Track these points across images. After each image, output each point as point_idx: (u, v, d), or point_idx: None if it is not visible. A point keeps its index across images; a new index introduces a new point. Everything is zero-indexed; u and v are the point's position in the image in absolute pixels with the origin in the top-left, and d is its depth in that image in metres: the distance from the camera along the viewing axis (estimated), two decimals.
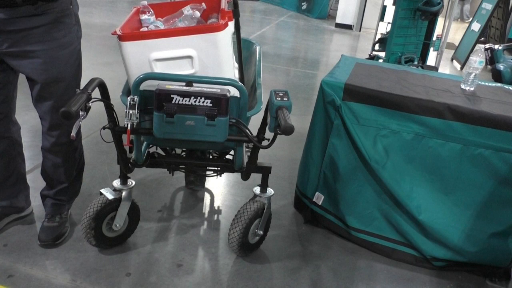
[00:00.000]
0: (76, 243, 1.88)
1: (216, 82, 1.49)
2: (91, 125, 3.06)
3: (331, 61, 6.44)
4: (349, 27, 8.55)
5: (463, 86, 2.08)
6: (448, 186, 1.88)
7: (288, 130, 1.28)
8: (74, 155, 1.90)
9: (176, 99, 1.40)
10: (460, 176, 1.85)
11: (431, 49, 4.76)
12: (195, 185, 2.39)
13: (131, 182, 1.83)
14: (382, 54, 4.67)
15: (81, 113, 1.32)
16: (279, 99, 1.41)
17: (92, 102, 1.38)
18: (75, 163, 1.93)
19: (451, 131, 1.82)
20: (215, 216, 2.22)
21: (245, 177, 1.82)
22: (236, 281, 1.78)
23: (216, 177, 2.00)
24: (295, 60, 6.31)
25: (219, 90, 1.44)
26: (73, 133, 1.31)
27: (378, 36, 5.14)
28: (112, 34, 1.53)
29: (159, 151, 1.92)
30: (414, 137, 1.88)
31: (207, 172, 1.96)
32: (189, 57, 1.57)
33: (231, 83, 1.50)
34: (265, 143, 1.61)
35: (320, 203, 2.13)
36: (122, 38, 1.53)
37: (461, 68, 6.05)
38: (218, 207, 2.30)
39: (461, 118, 1.79)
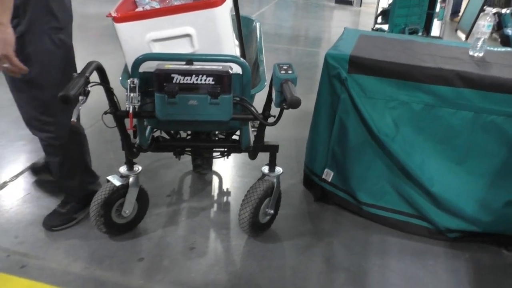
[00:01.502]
0: (87, 231, 1.87)
1: (217, 59, 1.45)
2: (94, 114, 3.03)
3: (333, 37, 6.33)
4: (349, 2, 8.40)
5: (471, 53, 2.02)
6: (460, 156, 1.83)
7: (295, 103, 1.24)
8: (55, 151, 1.79)
9: (177, 78, 1.36)
10: (472, 145, 1.80)
11: (435, 19, 4.66)
12: (203, 169, 2.37)
13: (138, 168, 1.81)
14: (385, 27, 4.58)
15: (80, 97, 1.29)
16: (284, 72, 1.36)
17: (91, 86, 1.34)
18: (60, 160, 1.82)
19: (461, 99, 1.76)
20: (224, 198, 2.20)
21: (252, 156, 1.79)
22: (249, 261, 1.77)
23: (223, 159, 1.97)
24: (296, 39, 6.21)
25: (220, 67, 1.40)
26: (73, 118, 1.28)
27: (380, 9, 5.02)
28: (107, 16, 1.48)
29: (164, 135, 1.89)
30: (424, 107, 1.83)
31: (214, 154, 1.93)
32: (188, 35, 1.52)
33: (232, 59, 1.46)
34: (271, 120, 1.57)
35: (329, 180, 2.10)
36: (117, 19, 1.49)
37: (466, 38, 5.92)
38: (227, 189, 2.28)
39: (471, 84, 1.74)
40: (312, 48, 5.68)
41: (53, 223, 1.88)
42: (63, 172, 1.85)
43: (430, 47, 2.11)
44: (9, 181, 2.22)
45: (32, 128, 1.75)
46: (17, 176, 2.28)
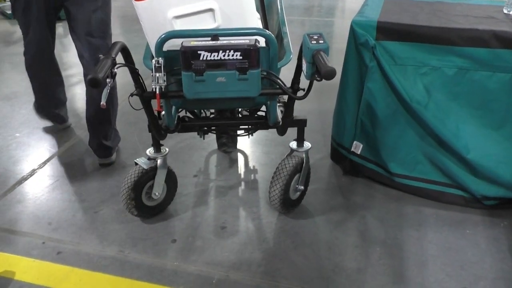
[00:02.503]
0: (118, 215, 1.88)
1: (243, 33, 1.39)
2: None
3: (348, 5, 6.14)
4: None
5: (506, 11, 1.91)
6: (497, 120, 1.76)
7: (330, 74, 1.18)
8: None
9: (204, 55, 1.31)
10: (510, 108, 1.72)
11: None
12: (228, 147, 2.34)
13: (165, 149, 1.79)
14: None
15: (108, 80, 1.26)
16: (315, 42, 1.30)
17: (117, 68, 1.30)
18: None
19: (498, 60, 1.67)
20: (252, 175, 2.17)
21: (281, 132, 1.74)
22: (282, 238, 1.75)
23: (248, 136, 1.93)
24: (310, 9, 6.05)
25: (247, 41, 1.34)
26: (103, 102, 1.25)
27: None
28: None
29: (189, 115, 1.86)
30: (457, 71, 1.75)
31: (239, 132, 1.90)
32: (211, 10, 1.46)
33: (258, 32, 1.40)
34: (300, 93, 1.51)
35: (359, 152, 2.05)
36: None
37: None
38: (253, 166, 2.25)
39: (509, 44, 1.64)
40: (327, 18, 5.52)
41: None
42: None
43: (461, 7, 2.00)
44: (38, 168, 2.24)
45: None
46: (44, 163, 2.29)
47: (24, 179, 2.14)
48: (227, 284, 1.54)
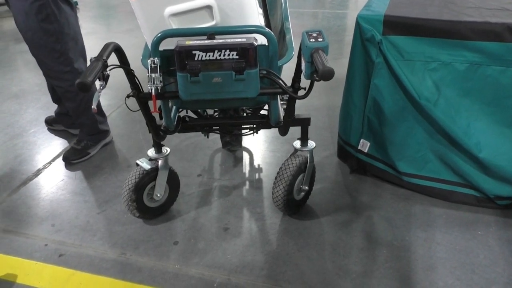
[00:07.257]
0: (121, 216, 1.86)
1: (240, 31, 1.34)
2: (122, 95, 3.01)
3: None
4: None
5: None
6: (511, 117, 1.68)
7: (327, 75, 1.12)
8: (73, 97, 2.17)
9: (199, 55, 1.27)
10: None
11: None
12: (232, 145, 2.30)
13: (166, 150, 1.76)
14: None
15: (99, 82, 1.23)
16: (313, 40, 1.24)
17: (110, 70, 1.27)
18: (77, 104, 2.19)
19: None
20: (256, 175, 2.13)
21: (283, 132, 1.70)
22: (285, 240, 1.71)
23: (252, 134, 1.89)
24: (322, 1, 5.95)
25: (244, 40, 1.29)
26: (93, 106, 1.22)
27: None
28: None
29: (190, 114, 1.82)
30: (469, 66, 1.67)
31: (243, 131, 1.86)
32: (208, 7, 1.41)
33: (257, 30, 1.34)
34: (301, 92, 1.46)
35: (366, 151, 1.99)
36: None
37: None
38: (258, 165, 2.21)
39: None
40: (340, 10, 5.42)
41: (72, 157, 2.25)
42: (79, 113, 2.22)
43: None
44: (43, 168, 2.24)
45: (50, 78, 2.14)
46: (50, 162, 2.29)
47: (29, 179, 2.15)
48: None
